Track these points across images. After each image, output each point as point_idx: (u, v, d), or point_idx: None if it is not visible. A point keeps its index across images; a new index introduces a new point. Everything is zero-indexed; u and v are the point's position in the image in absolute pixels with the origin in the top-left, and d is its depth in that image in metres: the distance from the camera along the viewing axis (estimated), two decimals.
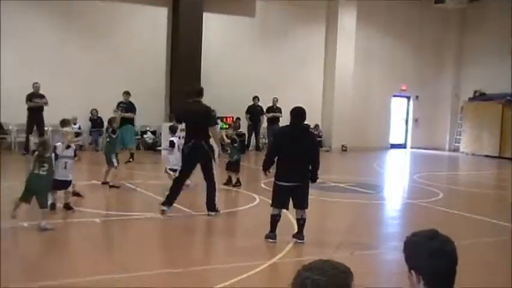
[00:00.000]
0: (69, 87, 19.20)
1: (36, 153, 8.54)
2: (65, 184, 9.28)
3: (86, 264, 6.81)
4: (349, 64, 24.78)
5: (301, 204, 8.03)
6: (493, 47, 25.44)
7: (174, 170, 10.99)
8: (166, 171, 12.06)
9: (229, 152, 13.59)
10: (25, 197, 8.23)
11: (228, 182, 13.17)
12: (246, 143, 21.93)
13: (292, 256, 7.52)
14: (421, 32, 26.76)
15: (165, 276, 6.50)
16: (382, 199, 13.43)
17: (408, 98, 27.94)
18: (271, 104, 22.48)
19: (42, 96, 17.55)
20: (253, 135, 22.58)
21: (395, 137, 28.06)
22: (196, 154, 9.62)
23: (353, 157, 23.11)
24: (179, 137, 12.07)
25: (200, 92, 10.04)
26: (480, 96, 26.07)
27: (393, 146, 27.61)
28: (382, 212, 11.93)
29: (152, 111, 19.92)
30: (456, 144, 27.30)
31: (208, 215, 9.72)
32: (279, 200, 7.99)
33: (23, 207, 8.39)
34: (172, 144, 12.24)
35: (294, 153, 7.85)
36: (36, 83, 17.45)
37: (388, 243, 8.88)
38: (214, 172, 9.80)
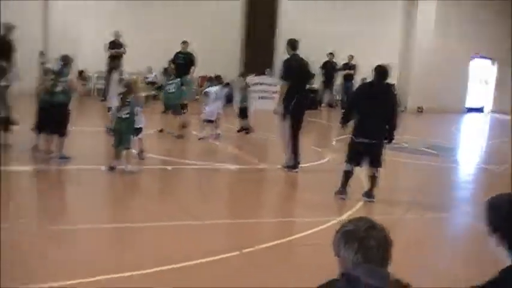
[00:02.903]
0: (146, 40, 19.48)
1: (121, 96, 8.86)
2: (136, 131, 9.33)
3: (158, 210, 7.06)
4: (430, 22, 23.96)
5: (376, 162, 7.97)
6: None
7: (210, 121, 11.89)
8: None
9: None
10: (115, 141, 8.64)
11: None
12: (319, 99, 21.80)
13: (362, 214, 7.51)
14: None
15: (233, 226, 6.68)
16: (456, 163, 13.16)
17: (490, 59, 26.87)
18: (346, 61, 22.16)
19: (121, 45, 17.95)
20: (327, 91, 22.37)
21: (474, 100, 27.15)
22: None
23: (429, 119, 22.59)
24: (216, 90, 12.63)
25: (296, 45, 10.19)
26: None
27: (470, 110, 26.76)
28: (455, 175, 11.70)
29: (226, 66, 19.95)
30: None
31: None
32: (353, 156, 7.95)
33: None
34: (206, 94, 12.53)
35: (373, 111, 7.77)
36: (117, 31, 17.82)
37: (458, 208, 8.76)
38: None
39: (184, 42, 17.02)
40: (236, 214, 7.42)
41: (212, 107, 12.26)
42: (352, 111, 8.05)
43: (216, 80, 13.90)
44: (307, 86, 11.07)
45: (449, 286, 5.04)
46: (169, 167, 9.38)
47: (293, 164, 9.69)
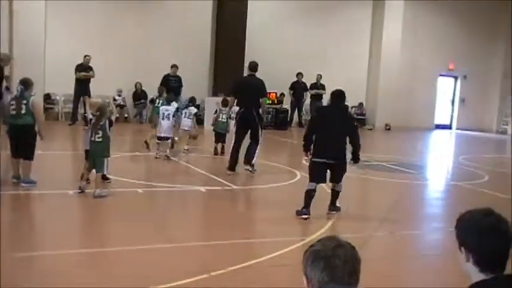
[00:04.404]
0: (115, 61, 19.40)
1: (93, 119, 8.76)
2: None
3: (130, 233, 6.94)
4: (396, 42, 24.39)
5: (336, 178, 8.22)
6: None
7: (161, 138, 12.39)
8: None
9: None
10: (89, 165, 8.68)
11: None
12: (288, 119, 21.92)
13: (332, 232, 7.48)
14: (472, 8, 25.99)
15: (202, 248, 6.59)
16: (426, 179, 13.27)
17: (455, 77, 27.38)
18: (314, 81, 22.35)
19: (90, 69, 17.82)
20: (296, 111, 22.50)
21: (441, 117, 27.59)
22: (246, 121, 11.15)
23: (396, 136, 22.84)
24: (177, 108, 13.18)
25: (254, 67, 11.57)
26: None
27: (438, 127, 27.16)
28: (425, 192, 11.79)
29: (196, 86, 19.91)
30: (504, 127, 26.70)
31: (245, 169, 11.21)
32: (314, 176, 8.08)
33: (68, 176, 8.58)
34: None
35: (331, 132, 7.98)
36: (87, 55, 17.70)
37: (429, 224, 8.80)
38: (260, 135, 11.26)
39: (175, 66, 18.00)
40: (206, 236, 7.34)
41: (168, 124, 12.48)
42: (311, 135, 8.20)
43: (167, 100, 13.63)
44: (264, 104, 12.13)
45: None
46: (140, 190, 9.26)
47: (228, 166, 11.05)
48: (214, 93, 19.65)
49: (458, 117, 27.69)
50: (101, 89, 17.68)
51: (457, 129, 27.44)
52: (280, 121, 21.44)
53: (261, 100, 11.30)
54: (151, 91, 20.15)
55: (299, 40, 22.71)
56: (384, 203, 9.96)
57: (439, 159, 17.97)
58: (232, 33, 20.69)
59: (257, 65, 11.57)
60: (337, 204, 8.40)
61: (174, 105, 13.10)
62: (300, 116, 22.70)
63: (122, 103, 19.68)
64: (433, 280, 6.15)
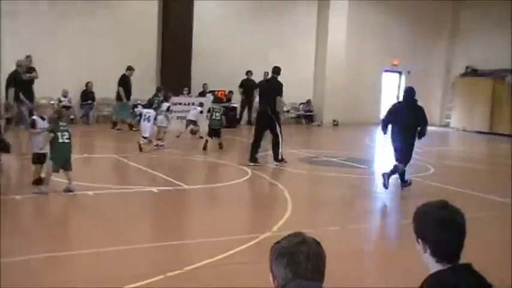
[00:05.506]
0: (60, 62, 18.99)
1: (51, 122, 8.85)
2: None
3: (81, 236, 6.82)
4: (342, 38, 24.70)
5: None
6: (486, 23, 25.45)
7: (145, 138, 13.60)
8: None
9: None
10: (56, 166, 8.78)
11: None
12: (238, 117, 21.91)
13: (286, 229, 7.49)
14: (415, 6, 26.59)
15: (156, 249, 6.52)
16: (374, 173, 13.50)
17: (400, 73, 27.95)
18: (263, 78, 22.36)
19: (33, 69, 17.32)
20: (246, 109, 22.50)
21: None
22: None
23: (344, 132, 23.16)
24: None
25: (275, 70, 12.76)
26: (472, 72, 26.16)
27: None
28: (374, 186, 11.98)
29: (144, 86, 19.68)
30: (447, 120, 27.42)
31: (275, 165, 12.39)
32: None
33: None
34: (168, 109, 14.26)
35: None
36: (29, 56, 17.20)
37: (381, 217, 8.96)
38: (278, 131, 12.38)
39: (132, 68, 18.37)
40: (160, 237, 7.26)
41: (150, 125, 13.89)
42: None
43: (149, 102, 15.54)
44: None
45: None
46: (90, 193, 9.09)
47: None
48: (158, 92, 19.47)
49: None
50: (44, 90, 17.23)
51: None
52: (230, 119, 21.39)
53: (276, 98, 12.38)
54: (99, 92, 19.89)
55: (246, 39, 22.76)
56: (335, 197, 10.09)
57: (387, 153, 18.29)
58: (179, 34, 20.57)
59: (280, 69, 12.78)
60: None
61: (166, 104, 14.49)
62: (249, 113, 22.71)
63: (67, 104, 19.27)
64: (385, 274, 6.26)
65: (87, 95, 19.81)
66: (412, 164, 14.19)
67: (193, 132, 16.09)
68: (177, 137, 14.62)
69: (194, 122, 16.02)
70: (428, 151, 17.56)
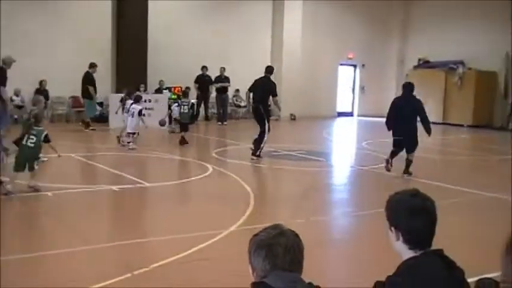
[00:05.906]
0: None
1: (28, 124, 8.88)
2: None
3: (43, 239, 6.70)
4: (297, 33, 24.86)
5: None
6: (438, 15, 26.00)
7: (133, 134, 13.88)
8: (122, 136, 14.14)
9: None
10: (17, 167, 8.76)
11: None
12: (195, 112, 21.80)
13: (249, 224, 7.52)
14: (368, 1, 26.96)
15: (121, 248, 6.45)
16: (334, 166, 13.66)
17: (355, 66, 28.30)
18: (218, 74, 22.36)
19: None
20: (202, 104, 22.43)
21: (343, 105, 28.43)
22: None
23: (302, 126, 23.32)
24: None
25: (269, 70, 13.49)
26: (424, 64, 26.66)
27: (340, 115, 27.99)
28: (334, 178, 12.13)
29: (100, 83, 19.39)
30: None
31: (251, 159, 12.52)
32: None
33: None
34: (140, 112, 14.00)
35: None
36: None
37: (342, 209, 9.07)
38: (266, 127, 12.70)
39: (95, 65, 18.04)
40: (124, 235, 7.16)
41: (136, 121, 14.05)
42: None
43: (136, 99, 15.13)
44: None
45: (342, 286, 5.20)
46: (49, 193, 8.92)
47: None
48: (118, 90, 19.23)
49: (359, 105, 28.65)
50: None
51: (359, 116, 28.40)
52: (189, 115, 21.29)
53: (272, 98, 13.21)
54: (53, 91, 19.49)
55: (202, 37, 22.71)
56: (296, 191, 10.17)
57: (344, 146, 18.53)
58: (134, 31, 20.36)
59: (273, 69, 13.80)
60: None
61: (138, 107, 14.14)
62: (206, 109, 22.66)
63: (20, 103, 18.85)
64: (350, 264, 6.35)
65: (41, 93, 19.36)
66: (369, 156, 14.48)
67: (172, 132, 16.45)
68: (138, 134, 14.37)
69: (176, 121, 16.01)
70: (385, 143, 17.86)
